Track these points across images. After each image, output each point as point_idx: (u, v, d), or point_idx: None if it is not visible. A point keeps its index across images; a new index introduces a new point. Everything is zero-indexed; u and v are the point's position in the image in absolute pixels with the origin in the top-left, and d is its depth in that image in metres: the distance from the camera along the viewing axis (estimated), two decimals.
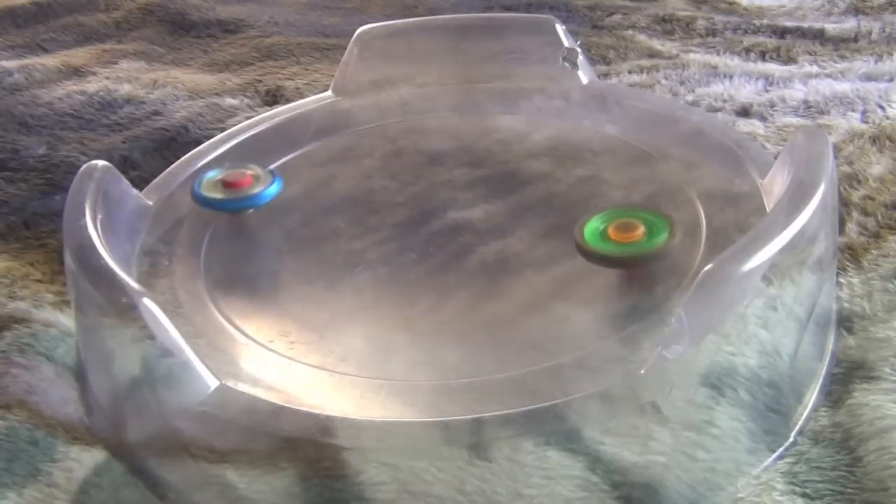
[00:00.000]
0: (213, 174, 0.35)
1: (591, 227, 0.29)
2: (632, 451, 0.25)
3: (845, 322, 0.31)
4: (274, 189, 0.35)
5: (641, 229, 0.29)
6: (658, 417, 0.25)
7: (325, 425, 0.25)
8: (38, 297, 0.35)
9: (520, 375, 0.27)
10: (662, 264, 0.29)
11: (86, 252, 0.28)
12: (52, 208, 0.41)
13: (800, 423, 0.27)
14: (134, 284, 0.26)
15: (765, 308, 0.26)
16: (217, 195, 0.34)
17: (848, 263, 0.34)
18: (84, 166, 0.33)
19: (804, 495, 0.25)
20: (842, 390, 0.28)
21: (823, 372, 0.29)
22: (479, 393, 0.26)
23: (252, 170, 0.35)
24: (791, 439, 0.27)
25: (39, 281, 0.36)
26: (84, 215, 0.30)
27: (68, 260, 0.29)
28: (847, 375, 0.29)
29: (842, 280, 0.33)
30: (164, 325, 0.25)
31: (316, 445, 0.25)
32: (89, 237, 0.28)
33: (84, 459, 0.27)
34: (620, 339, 0.28)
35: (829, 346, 0.30)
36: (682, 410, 0.25)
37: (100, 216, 0.30)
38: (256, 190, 0.35)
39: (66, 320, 0.33)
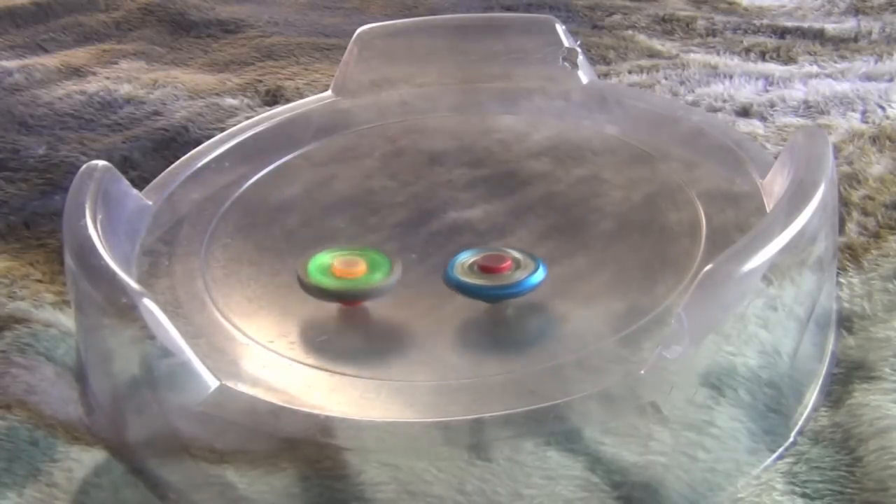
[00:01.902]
0: (466, 256, 0.31)
1: (317, 262, 0.30)
2: (632, 452, 0.25)
3: (845, 322, 0.31)
4: (538, 277, 0.30)
5: (363, 266, 0.30)
6: (658, 417, 0.25)
7: (325, 426, 0.25)
8: (38, 297, 0.35)
9: (520, 376, 0.27)
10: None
11: (86, 252, 0.28)
12: (52, 208, 0.41)
13: (800, 423, 0.27)
14: (134, 284, 0.26)
15: (765, 308, 0.26)
16: (473, 280, 0.30)
17: (848, 263, 0.34)
18: (84, 166, 0.33)
19: (804, 495, 0.25)
20: (842, 390, 0.28)
21: (823, 372, 0.29)
22: (479, 393, 0.26)
23: (509, 254, 0.31)
24: (791, 439, 0.27)
25: (39, 281, 0.36)
26: (84, 215, 0.29)
27: (68, 260, 0.29)
28: (847, 375, 0.29)
29: (842, 280, 0.33)
30: (164, 326, 0.25)
31: (316, 446, 0.25)
32: (89, 237, 0.28)
33: (84, 459, 0.27)
34: (620, 340, 0.28)
35: (830, 346, 0.30)
36: (683, 410, 0.25)
37: (100, 216, 0.30)
38: (517, 277, 0.30)
39: (66, 320, 0.33)
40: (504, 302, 0.30)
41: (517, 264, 0.30)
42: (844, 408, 0.27)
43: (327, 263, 0.30)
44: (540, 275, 0.30)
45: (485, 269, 0.30)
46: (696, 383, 0.25)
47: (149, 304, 0.25)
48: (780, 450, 0.26)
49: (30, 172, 0.44)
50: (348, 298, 0.30)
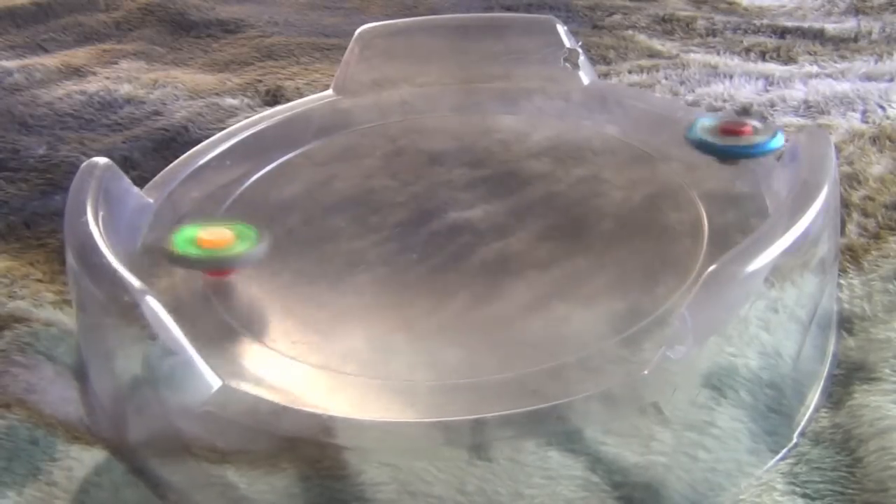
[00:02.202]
0: (708, 121, 0.35)
1: (184, 235, 0.31)
2: (633, 452, 0.25)
3: (845, 323, 0.31)
4: (778, 142, 0.33)
5: (230, 236, 0.31)
6: (659, 418, 0.25)
7: (326, 425, 0.24)
8: (38, 297, 0.35)
9: (521, 376, 0.27)
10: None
11: (87, 250, 0.28)
12: (52, 208, 0.41)
13: (802, 424, 0.27)
14: (136, 283, 0.26)
15: (766, 310, 0.26)
16: (715, 140, 0.34)
17: (848, 264, 0.34)
18: (85, 164, 0.33)
19: (805, 496, 0.25)
20: (842, 391, 0.28)
21: (825, 373, 0.29)
22: (480, 393, 0.26)
23: (751, 121, 0.34)
24: (794, 441, 0.27)
25: (39, 280, 0.36)
26: (85, 213, 0.29)
27: (70, 258, 0.29)
28: (847, 377, 0.29)
29: (842, 281, 0.33)
30: (166, 324, 0.25)
31: (317, 446, 0.25)
32: (91, 235, 0.28)
33: (84, 459, 0.27)
34: (622, 340, 0.28)
35: (831, 347, 0.30)
36: (684, 411, 0.25)
37: (101, 214, 0.30)
38: (757, 140, 0.33)
39: (66, 319, 0.33)
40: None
41: (756, 130, 0.33)
42: (845, 409, 0.27)
43: (194, 235, 0.31)
44: (779, 140, 0.32)
45: (726, 131, 0.33)
46: (698, 384, 0.25)
47: (151, 303, 0.25)
48: (783, 451, 0.26)
49: (30, 172, 0.44)
50: (213, 267, 0.31)
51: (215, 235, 0.31)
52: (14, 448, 0.27)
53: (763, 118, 0.35)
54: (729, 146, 0.34)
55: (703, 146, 0.34)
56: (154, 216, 0.35)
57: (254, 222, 0.35)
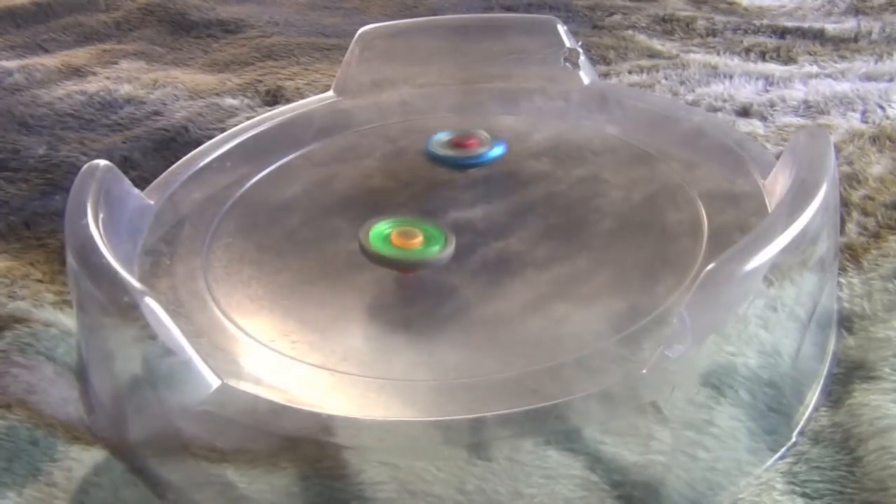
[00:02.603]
0: (444, 135, 0.38)
1: (376, 231, 0.32)
2: (632, 451, 0.25)
3: (845, 322, 0.31)
4: (498, 151, 0.37)
5: (420, 238, 0.32)
6: (658, 417, 0.25)
7: (326, 424, 0.25)
8: (38, 297, 0.35)
9: (520, 375, 0.27)
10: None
11: (88, 251, 0.28)
12: (52, 208, 0.41)
13: (801, 423, 0.27)
14: (136, 283, 0.26)
15: (765, 309, 0.26)
16: (446, 153, 0.37)
17: (848, 263, 0.34)
18: (86, 166, 0.33)
19: (804, 495, 0.25)
20: (842, 390, 0.28)
21: (825, 372, 0.29)
22: (480, 393, 0.26)
23: (479, 134, 0.38)
24: (793, 439, 0.27)
25: (40, 281, 0.36)
26: (86, 215, 0.30)
27: (70, 259, 0.29)
28: (847, 375, 0.29)
29: (842, 280, 0.33)
30: (165, 325, 0.25)
31: (316, 445, 0.25)
32: (91, 236, 0.28)
33: (84, 459, 0.27)
34: (621, 340, 0.28)
35: (831, 346, 0.30)
36: (683, 410, 0.25)
37: (101, 215, 0.30)
38: (481, 151, 0.37)
39: (66, 320, 0.33)
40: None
41: (481, 142, 0.37)
42: (844, 408, 0.27)
43: (387, 233, 0.32)
44: (499, 150, 0.37)
45: (456, 144, 0.37)
46: (697, 383, 0.25)
47: (150, 304, 0.25)
48: (783, 450, 0.26)
49: (30, 172, 0.44)
50: (404, 267, 0.32)
51: (407, 235, 0.32)
52: (14, 448, 0.27)
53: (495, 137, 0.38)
54: (456, 157, 0.37)
55: (435, 159, 0.37)
56: (154, 218, 0.35)
57: (256, 222, 0.36)
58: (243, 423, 0.25)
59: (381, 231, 0.32)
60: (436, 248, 0.31)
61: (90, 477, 0.27)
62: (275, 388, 0.27)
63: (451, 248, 0.31)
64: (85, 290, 0.28)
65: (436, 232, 0.32)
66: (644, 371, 0.24)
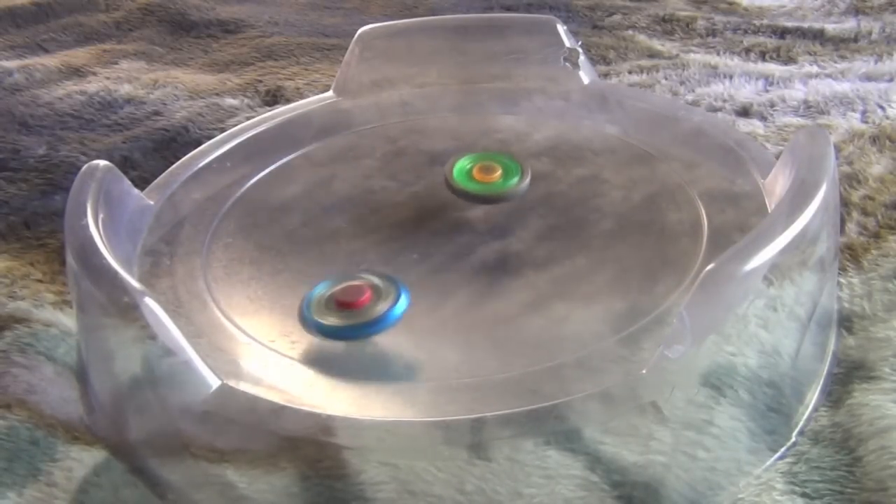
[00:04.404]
0: (322, 289, 0.28)
1: (459, 167, 0.34)
2: (632, 451, 0.25)
3: (845, 322, 0.31)
4: (401, 307, 0.28)
5: (499, 172, 0.34)
6: (658, 417, 0.25)
7: (325, 425, 0.25)
8: (38, 297, 0.35)
9: (520, 375, 0.27)
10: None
11: (87, 251, 0.28)
12: (52, 208, 0.41)
13: (801, 423, 0.27)
14: (136, 284, 0.26)
15: (765, 309, 0.26)
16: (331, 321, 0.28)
17: (848, 263, 0.34)
18: (86, 166, 0.33)
19: (804, 495, 0.25)
20: (841, 390, 0.28)
21: (825, 372, 0.29)
22: (480, 393, 0.26)
23: (366, 279, 0.28)
24: (793, 440, 0.27)
25: (40, 281, 0.36)
26: (86, 215, 0.30)
27: (70, 259, 0.29)
28: (847, 375, 0.29)
29: (842, 280, 0.33)
30: (165, 325, 0.25)
31: (316, 445, 0.25)
32: (91, 237, 0.28)
33: (84, 459, 0.27)
34: (620, 340, 0.28)
35: (831, 346, 0.30)
36: (683, 410, 0.25)
37: (101, 216, 0.30)
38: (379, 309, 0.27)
39: (66, 320, 0.33)
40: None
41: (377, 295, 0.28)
42: (844, 408, 0.27)
43: (467, 168, 0.34)
44: (402, 305, 0.27)
45: (341, 304, 0.28)
46: (697, 383, 0.25)
47: (150, 304, 0.25)
48: (783, 450, 0.26)
49: (30, 172, 0.44)
50: (487, 201, 0.34)
51: (487, 170, 0.33)
52: (14, 449, 0.27)
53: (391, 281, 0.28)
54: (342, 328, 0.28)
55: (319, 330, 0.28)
56: (154, 218, 0.35)
57: (256, 222, 0.36)
58: (243, 423, 0.25)
59: (463, 167, 0.34)
60: (514, 181, 0.33)
61: (90, 477, 0.27)
62: (275, 389, 0.27)
63: (527, 179, 0.33)
64: (85, 290, 0.28)
65: (513, 164, 0.34)
66: (644, 371, 0.24)
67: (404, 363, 0.28)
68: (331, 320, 0.28)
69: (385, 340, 0.29)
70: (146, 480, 0.26)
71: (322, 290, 0.28)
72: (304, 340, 0.29)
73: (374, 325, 0.27)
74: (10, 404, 0.29)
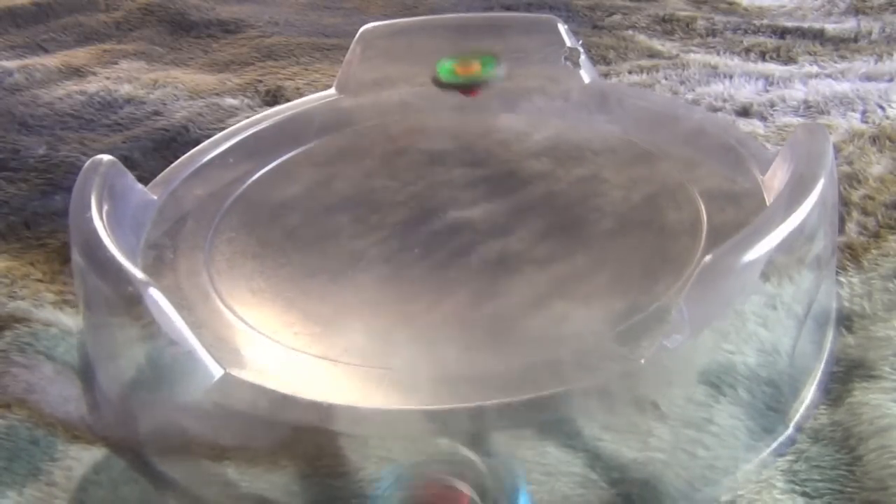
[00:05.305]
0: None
1: (444, 67, 0.40)
2: (631, 448, 0.25)
3: (845, 321, 0.31)
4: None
5: (478, 65, 0.40)
6: (657, 414, 0.25)
7: (327, 414, 0.25)
8: (38, 297, 0.35)
9: (519, 368, 0.27)
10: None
11: (92, 244, 0.28)
12: (52, 208, 0.41)
13: (796, 418, 0.27)
14: (140, 275, 0.26)
15: (764, 307, 0.26)
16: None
17: (848, 263, 0.34)
18: (89, 161, 0.33)
19: (804, 494, 0.25)
20: (841, 389, 0.28)
21: (821, 369, 0.29)
22: (479, 384, 0.26)
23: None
24: (788, 433, 0.27)
25: (40, 280, 0.36)
26: (90, 208, 0.30)
27: (74, 252, 0.29)
28: (847, 374, 0.29)
29: (842, 279, 0.33)
30: (169, 315, 0.25)
31: (317, 441, 0.25)
32: (95, 229, 0.28)
33: (83, 458, 0.27)
34: (619, 334, 0.28)
35: (828, 343, 0.30)
36: (682, 408, 0.25)
37: (105, 209, 0.30)
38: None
39: (66, 319, 0.33)
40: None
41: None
42: (844, 406, 0.27)
43: (452, 66, 0.40)
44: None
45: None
46: (696, 380, 0.25)
47: (154, 294, 0.25)
48: (775, 444, 0.26)
49: (30, 172, 0.44)
50: (469, 88, 0.40)
51: (467, 65, 0.39)
52: (14, 448, 0.27)
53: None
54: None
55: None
56: (157, 213, 0.35)
57: (258, 218, 0.36)
58: (246, 412, 0.25)
59: (446, 66, 0.40)
60: (490, 68, 0.39)
61: (90, 475, 0.27)
62: (277, 379, 0.27)
63: (502, 67, 0.39)
64: (90, 283, 0.28)
65: (488, 59, 0.40)
66: (642, 361, 0.24)
67: (405, 354, 0.29)
68: None
69: (386, 332, 0.29)
70: (149, 477, 0.26)
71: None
72: (306, 331, 0.29)
73: None
74: (10, 403, 0.29)
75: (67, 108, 0.51)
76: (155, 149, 0.46)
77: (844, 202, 0.37)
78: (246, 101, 0.50)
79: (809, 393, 0.28)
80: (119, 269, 0.26)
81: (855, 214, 0.36)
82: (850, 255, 0.34)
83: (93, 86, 0.53)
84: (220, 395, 0.25)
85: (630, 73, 0.51)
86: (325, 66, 0.54)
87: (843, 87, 0.47)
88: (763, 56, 0.53)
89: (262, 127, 0.41)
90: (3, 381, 0.30)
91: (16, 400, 0.29)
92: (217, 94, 0.51)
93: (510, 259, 0.32)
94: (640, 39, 0.56)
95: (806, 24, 0.57)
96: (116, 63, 0.57)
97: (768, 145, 0.42)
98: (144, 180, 0.38)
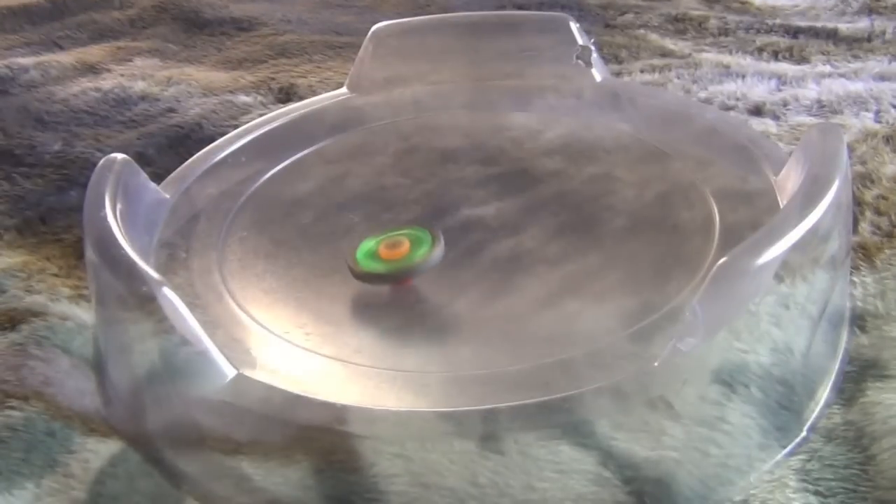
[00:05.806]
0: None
1: (364, 249, 0.31)
2: (644, 447, 0.25)
3: (859, 321, 0.31)
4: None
5: (407, 245, 0.31)
6: (670, 413, 0.25)
7: (339, 414, 0.25)
8: (54, 291, 0.35)
9: (532, 368, 0.27)
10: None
11: (106, 242, 0.28)
12: (67, 203, 0.41)
13: (811, 419, 0.27)
14: (154, 274, 0.26)
15: (777, 306, 0.26)
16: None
17: (861, 263, 0.33)
18: (104, 159, 0.33)
19: (817, 493, 0.25)
20: (855, 388, 0.28)
21: (836, 369, 0.29)
22: (491, 385, 0.27)
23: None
24: (803, 434, 0.27)
25: (56, 275, 0.36)
26: (104, 207, 0.30)
27: (89, 251, 0.29)
28: (860, 374, 0.29)
29: (855, 279, 0.33)
30: (182, 315, 0.25)
31: (330, 437, 0.25)
32: (109, 228, 0.29)
33: (100, 450, 0.28)
34: (632, 335, 0.28)
35: (842, 343, 0.30)
36: (695, 406, 0.25)
37: (119, 208, 0.31)
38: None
39: (81, 313, 0.34)
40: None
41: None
42: (857, 406, 0.27)
43: (374, 249, 0.31)
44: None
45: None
46: (709, 379, 0.25)
47: (168, 294, 0.25)
48: (791, 445, 0.26)
49: (46, 168, 0.44)
50: (397, 280, 0.31)
51: (394, 247, 0.31)
52: (32, 440, 0.28)
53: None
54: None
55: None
56: (170, 212, 0.36)
57: (270, 217, 0.36)
58: (258, 412, 0.25)
59: (368, 249, 0.31)
60: (423, 252, 0.30)
61: (106, 468, 0.27)
62: (289, 379, 0.27)
63: (439, 248, 0.30)
64: (104, 282, 0.28)
65: (420, 233, 0.31)
66: (656, 364, 0.24)
67: (417, 354, 0.29)
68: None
69: (398, 332, 0.29)
70: (163, 471, 0.27)
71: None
72: (318, 331, 0.29)
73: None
74: (28, 396, 0.29)
75: (82, 104, 0.51)
76: (169, 145, 0.46)
77: (858, 202, 0.37)
78: (259, 98, 0.51)
79: (824, 393, 0.28)
80: (133, 268, 0.26)
81: (868, 214, 0.36)
82: (864, 255, 0.34)
83: (107, 83, 0.54)
84: (233, 395, 0.25)
85: (642, 71, 0.51)
86: (337, 64, 0.54)
87: (857, 86, 0.46)
88: (776, 55, 0.53)
89: (274, 126, 0.41)
90: (20, 374, 0.30)
91: (33, 392, 0.29)
92: (230, 92, 0.51)
93: (522, 257, 0.33)
94: (653, 38, 0.56)
95: (819, 24, 0.57)
96: (131, 60, 0.58)
97: (781, 145, 0.42)
98: (158, 176, 0.38)
